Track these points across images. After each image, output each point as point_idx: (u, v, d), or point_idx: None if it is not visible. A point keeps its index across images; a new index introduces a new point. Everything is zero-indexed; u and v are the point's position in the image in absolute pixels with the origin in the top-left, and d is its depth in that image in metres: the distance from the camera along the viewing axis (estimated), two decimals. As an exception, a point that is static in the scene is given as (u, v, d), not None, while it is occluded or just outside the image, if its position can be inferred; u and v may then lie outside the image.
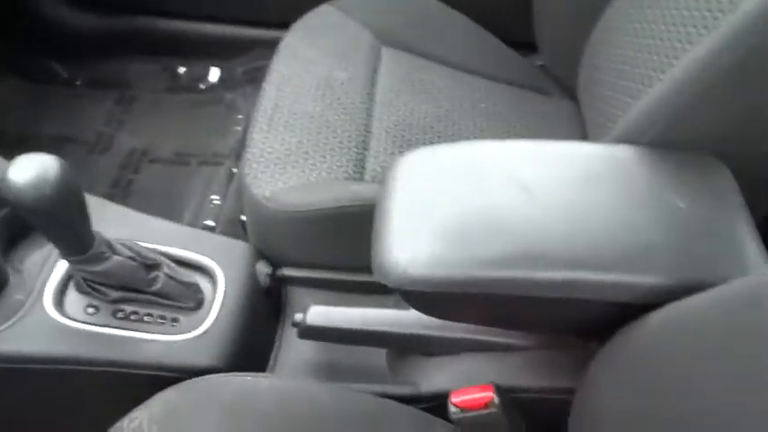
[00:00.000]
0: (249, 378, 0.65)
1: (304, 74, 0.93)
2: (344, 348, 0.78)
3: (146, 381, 0.68)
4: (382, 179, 0.63)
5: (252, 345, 0.77)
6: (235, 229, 0.99)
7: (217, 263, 0.77)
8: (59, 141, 1.26)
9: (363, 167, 0.84)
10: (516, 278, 0.54)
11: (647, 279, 0.53)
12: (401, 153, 0.65)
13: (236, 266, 0.78)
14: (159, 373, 0.69)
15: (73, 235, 0.65)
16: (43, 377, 0.70)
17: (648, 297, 0.53)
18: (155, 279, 0.71)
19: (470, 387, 0.64)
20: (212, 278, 0.76)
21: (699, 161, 0.61)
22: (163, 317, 0.72)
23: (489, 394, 0.62)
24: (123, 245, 0.70)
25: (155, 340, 0.70)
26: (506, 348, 0.70)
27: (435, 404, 0.67)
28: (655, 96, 0.63)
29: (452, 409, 0.63)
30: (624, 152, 0.62)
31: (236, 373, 0.66)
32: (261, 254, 0.84)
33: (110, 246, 0.68)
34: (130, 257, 0.69)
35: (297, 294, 0.87)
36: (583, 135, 0.91)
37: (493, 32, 1.08)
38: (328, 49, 0.97)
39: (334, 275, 0.85)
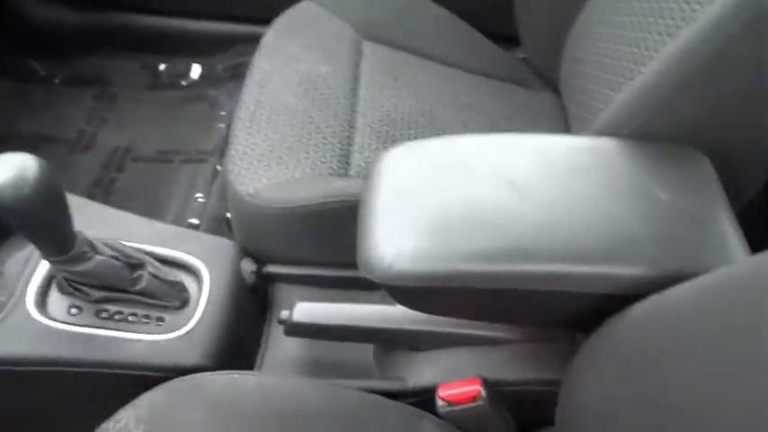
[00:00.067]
0: (236, 376, 0.64)
1: (286, 70, 0.93)
2: (331, 345, 0.78)
3: (131, 381, 0.67)
4: (367, 174, 0.63)
5: (238, 342, 0.76)
6: (219, 226, 0.98)
7: (202, 261, 0.77)
8: (40, 140, 1.24)
9: (348, 163, 0.84)
10: (500, 271, 0.54)
11: (630, 270, 0.54)
12: (385, 148, 0.65)
13: (221, 264, 0.78)
14: (145, 372, 0.68)
15: (54, 235, 0.64)
16: (26, 379, 0.69)
17: (631, 288, 0.53)
18: (139, 278, 0.71)
19: (457, 381, 0.64)
20: (197, 276, 0.76)
21: (679, 152, 0.61)
22: (148, 316, 0.71)
23: (476, 387, 0.63)
24: (106, 244, 0.69)
25: (140, 340, 0.70)
26: (493, 342, 0.70)
27: (423, 398, 0.68)
28: (635, 89, 0.63)
29: (440, 402, 0.63)
30: (606, 144, 0.62)
31: (222, 372, 0.66)
32: (246, 251, 0.84)
33: (92, 245, 0.67)
34: (113, 257, 0.69)
35: (283, 291, 0.87)
36: (565, 127, 0.91)
37: (474, 26, 1.08)
38: (310, 44, 0.97)
39: (319, 272, 0.85)
